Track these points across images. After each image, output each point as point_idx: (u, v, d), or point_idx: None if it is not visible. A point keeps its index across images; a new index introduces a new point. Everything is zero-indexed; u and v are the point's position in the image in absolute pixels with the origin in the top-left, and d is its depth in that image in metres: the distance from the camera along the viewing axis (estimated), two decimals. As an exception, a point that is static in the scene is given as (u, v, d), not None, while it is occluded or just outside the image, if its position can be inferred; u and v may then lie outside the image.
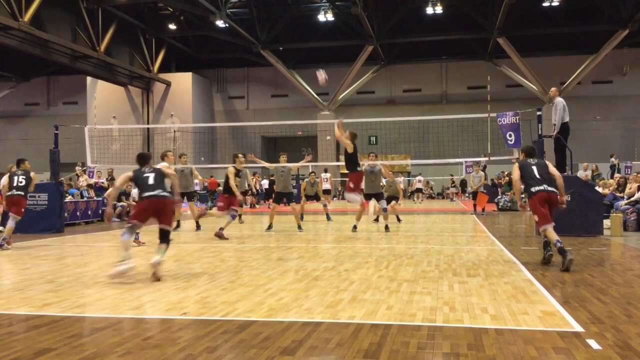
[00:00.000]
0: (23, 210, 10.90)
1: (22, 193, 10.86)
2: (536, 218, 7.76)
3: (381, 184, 14.83)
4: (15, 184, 10.87)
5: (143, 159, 7.58)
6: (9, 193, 10.86)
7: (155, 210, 7.14)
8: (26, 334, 4.43)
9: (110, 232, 14.39)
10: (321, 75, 13.10)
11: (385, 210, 13.41)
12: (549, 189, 7.67)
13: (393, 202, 16.01)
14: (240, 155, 12.81)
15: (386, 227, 13.24)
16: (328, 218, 17.02)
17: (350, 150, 12.18)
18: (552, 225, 7.63)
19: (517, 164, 8.13)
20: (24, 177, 10.96)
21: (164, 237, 7.15)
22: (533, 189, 7.70)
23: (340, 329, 4.47)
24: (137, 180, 7.30)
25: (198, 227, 13.97)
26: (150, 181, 7.17)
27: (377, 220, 15.76)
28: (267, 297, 5.73)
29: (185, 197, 14.25)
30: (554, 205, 7.75)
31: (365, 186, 13.42)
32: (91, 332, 4.58)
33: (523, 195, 8.11)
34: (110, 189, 11.12)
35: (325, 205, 17.87)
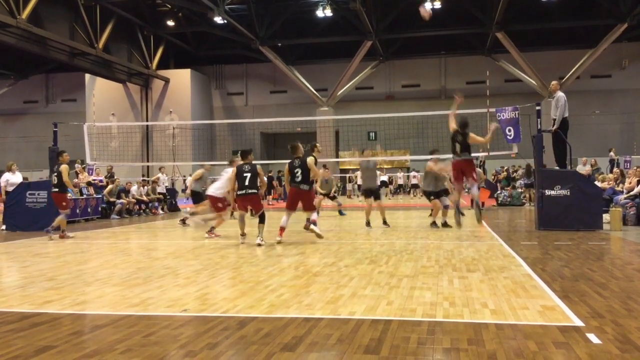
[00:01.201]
0: (64, 204, 11.64)
1: (57, 189, 11.57)
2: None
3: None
4: (52, 182, 11.77)
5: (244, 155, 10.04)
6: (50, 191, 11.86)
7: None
8: (27, 332, 4.43)
9: (110, 229, 14.41)
10: (425, 10, 13.67)
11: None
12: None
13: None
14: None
15: (443, 224, 12.88)
16: (341, 213, 17.19)
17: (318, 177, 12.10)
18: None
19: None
20: (56, 174, 11.65)
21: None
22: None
23: (340, 325, 4.47)
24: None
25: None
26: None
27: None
28: (268, 293, 5.74)
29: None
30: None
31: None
32: (92, 329, 4.59)
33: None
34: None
35: (339, 204, 17.89)
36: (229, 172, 11.05)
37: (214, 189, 11.47)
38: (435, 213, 13.32)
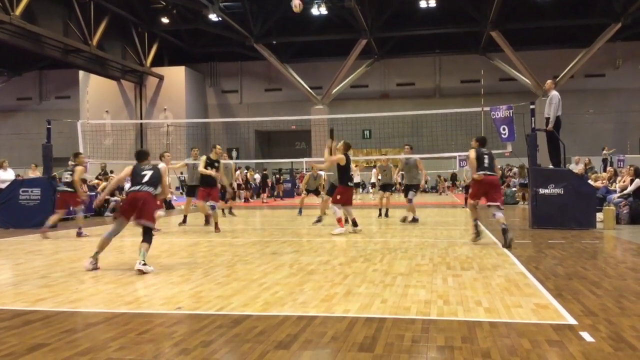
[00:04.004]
0: (78, 200, 11.80)
1: (73, 189, 11.62)
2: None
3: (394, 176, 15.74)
4: (63, 180, 11.87)
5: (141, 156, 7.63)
6: (61, 189, 11.82)
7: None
8: (20, 329, 4.41)
9: (104, 226, 14.34)
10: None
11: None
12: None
13: (388, 193, 16.17)
14: (217, 147, 12.79)
15: (413, 220, 13.63)
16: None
17: (342, 163, 11.35)
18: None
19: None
20: (70, 172, 11.70)
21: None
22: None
23: (335, 323, 4.48)
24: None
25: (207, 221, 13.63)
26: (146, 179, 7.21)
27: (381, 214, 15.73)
28: (262, 291, 5.73)
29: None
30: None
31: (406, 178, 14.30)
32: (85, 327, 4.57)
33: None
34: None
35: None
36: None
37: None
38: (413, 208, 13.90)
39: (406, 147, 14.24)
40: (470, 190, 10.05)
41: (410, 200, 13.67)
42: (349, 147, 11.58)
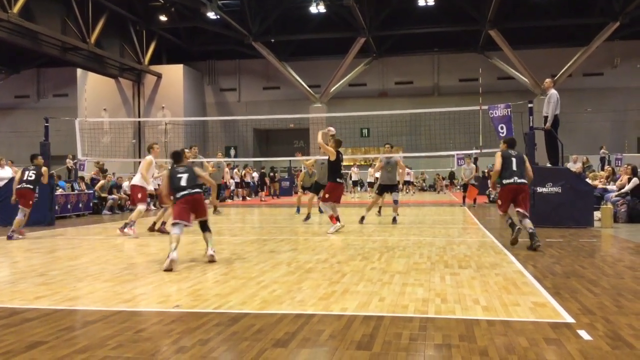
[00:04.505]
0: (31, 202, 11.39)
1: (31, 186, 11.37)
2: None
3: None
4: (25, 178, 11.43)
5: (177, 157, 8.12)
6: (19, 186, 11.36)
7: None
8: (18, 327, 4.41)
9: (101, 225, 14.34)
10: None
11: (396, 202, 13.45)
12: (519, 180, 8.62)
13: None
14: (194, 147, 12.90)
15: (394, 220, 13.16)
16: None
17: (332, 158, 11.16)
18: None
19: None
20: (35, 171, 11.52)
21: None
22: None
23: (332, 321, 4.48)
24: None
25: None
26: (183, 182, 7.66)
27: (379, 213, 15.69)
28: (260, 289, 5.73)
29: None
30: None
31: (381, 178, 13.80)
32: (83, 325, 4.56)
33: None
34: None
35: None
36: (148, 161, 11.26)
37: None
38: (372, 207, 13.85)
39: (387, 145, 13.75)
40: (498, 202, 9.07)
41: (396, 202, 13.48)
42: (340, 144, 11.40)
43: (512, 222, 8.85)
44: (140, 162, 20.43)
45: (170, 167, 8.08)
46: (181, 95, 38.68)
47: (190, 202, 7.56)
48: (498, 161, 8.73)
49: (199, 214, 7.70)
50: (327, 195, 11.22)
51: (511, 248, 8.59)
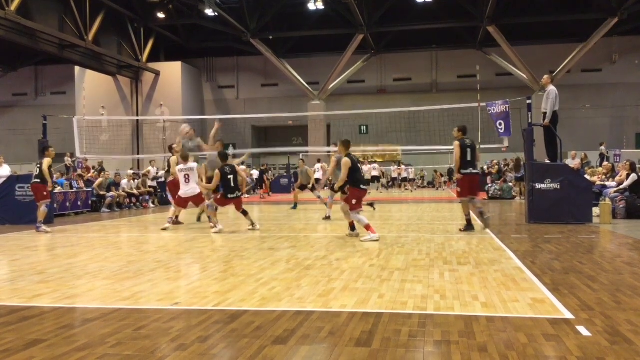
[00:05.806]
0: (45, 193, 12.13)
1: (38, 180, 12.14)
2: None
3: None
4: (34, 173, 12.44)
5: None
6: (32, 182, 12.34)
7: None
8: (16, 326, 4.41)
9: (100, 222, 14.34)
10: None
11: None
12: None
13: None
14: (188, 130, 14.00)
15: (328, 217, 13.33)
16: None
17: (349, 166, 9.75)
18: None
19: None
20: (39, 165, 12.25)
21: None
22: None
23: (332, 318, 4.48)
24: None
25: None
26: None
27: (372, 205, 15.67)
28: (259, 286, 5.73)
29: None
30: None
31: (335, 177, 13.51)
32: (82, 323, 4.56)
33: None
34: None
35: (319, 197, 17.71)
36: (194, 166, 11.99)
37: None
38: (331, 205, 13.68)
39: (336, 143, 12.95)
40: (457, 189, 10.33)
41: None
42: (349, 144, 10.14)
43: (482, 211, 10.30)
44: (149, 162, 20.66)
45: (220, 167, 10.86)
46: (179, 92, 38.60)
47: (234, 201, 11.06)
48: (457, 151, 9.74)
49: (238, 208, 11.20)
50: (354, 202, 9.76)
51: (510, 245, 8.60)
